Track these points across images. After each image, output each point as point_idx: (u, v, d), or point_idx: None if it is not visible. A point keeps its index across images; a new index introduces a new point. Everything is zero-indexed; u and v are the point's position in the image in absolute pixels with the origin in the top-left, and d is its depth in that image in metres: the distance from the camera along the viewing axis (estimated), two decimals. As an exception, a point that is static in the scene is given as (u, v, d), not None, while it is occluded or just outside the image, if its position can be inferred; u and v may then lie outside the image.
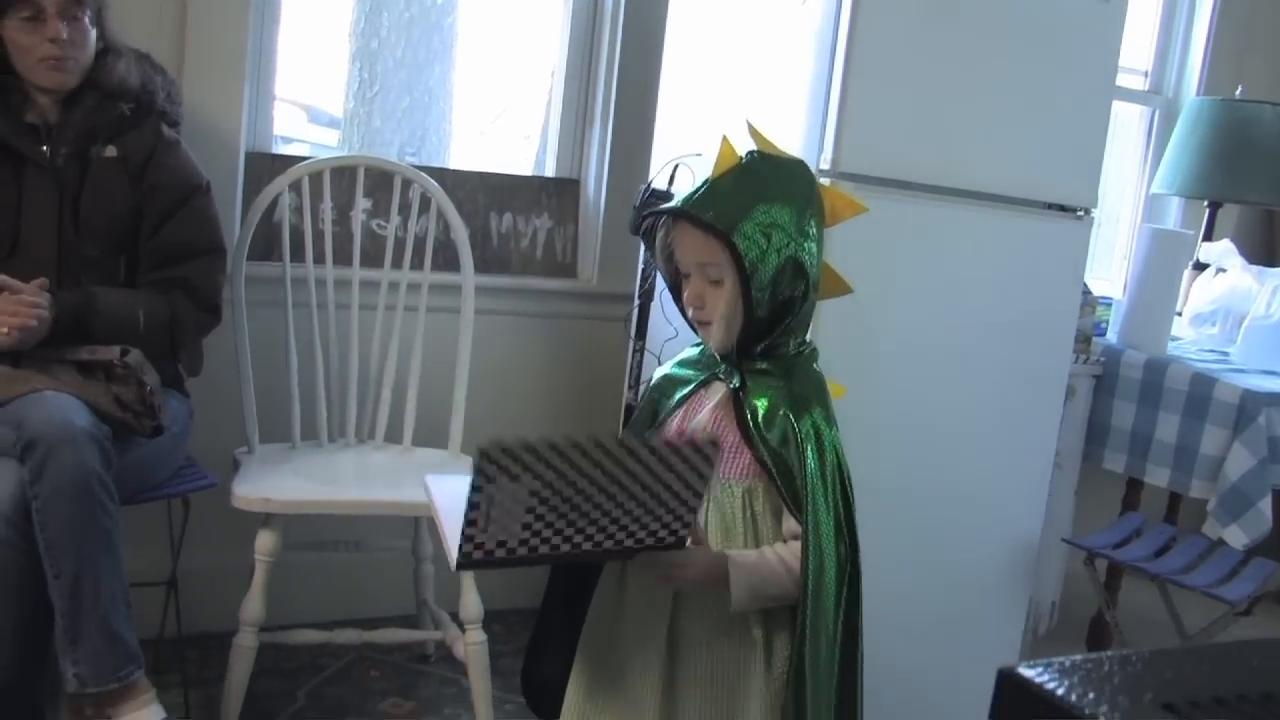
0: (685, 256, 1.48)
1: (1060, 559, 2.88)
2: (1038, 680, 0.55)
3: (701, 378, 1.53)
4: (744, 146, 1.49)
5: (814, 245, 1.45)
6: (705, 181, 1.46)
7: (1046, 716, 0.54)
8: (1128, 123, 3.72)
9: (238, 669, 2.10)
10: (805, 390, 1.46)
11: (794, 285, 1.43)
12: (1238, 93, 3.34)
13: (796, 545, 1.41)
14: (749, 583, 1.39)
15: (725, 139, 1.47)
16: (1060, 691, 0.54)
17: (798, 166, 1.50)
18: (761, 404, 1.45)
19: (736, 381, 1.47)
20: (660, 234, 1.52)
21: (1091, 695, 0.54)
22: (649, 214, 1.55)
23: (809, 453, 1.41)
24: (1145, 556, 2.51)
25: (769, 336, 1.45)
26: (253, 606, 2.10)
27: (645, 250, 1.62)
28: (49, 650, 1.84)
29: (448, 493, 1.40)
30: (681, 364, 1.59)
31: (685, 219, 1.45)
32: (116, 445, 1.87)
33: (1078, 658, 0.58)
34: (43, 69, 1.97)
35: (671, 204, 1.49)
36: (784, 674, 1.44)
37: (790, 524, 1.43)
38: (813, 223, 1.45)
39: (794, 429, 1.42)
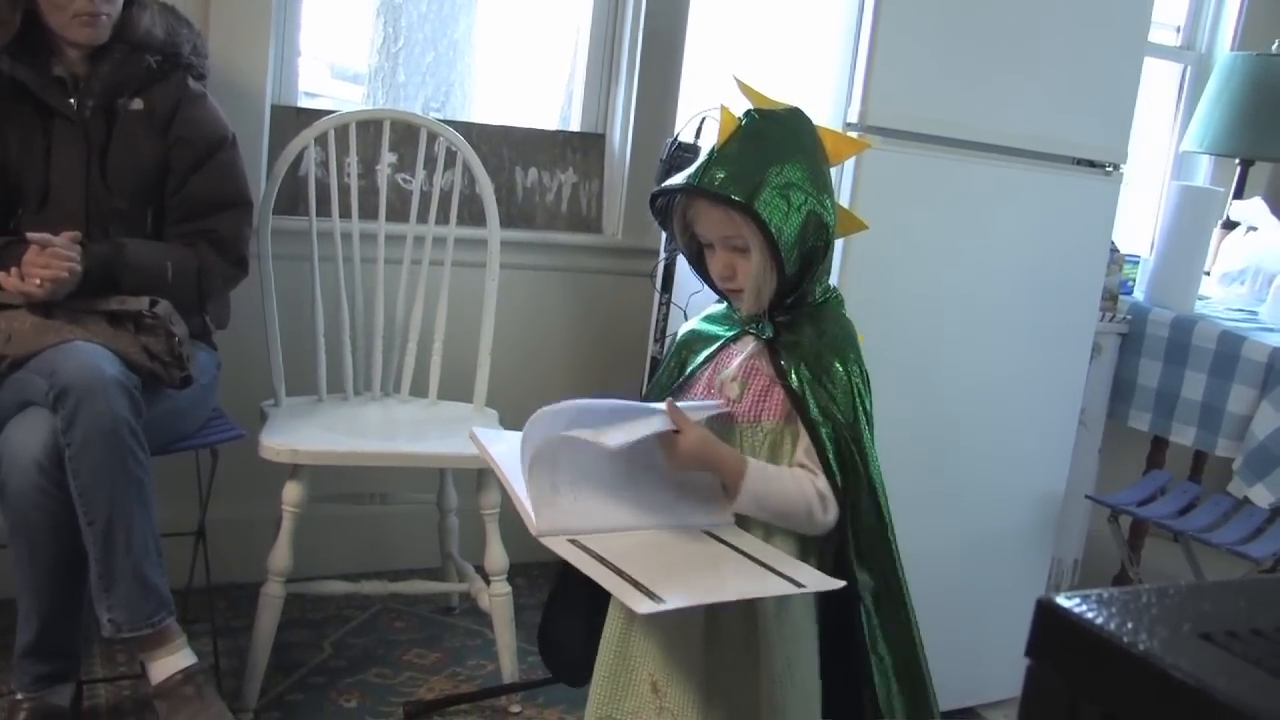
0: (706, 231, 1.47)
1: (1083, 517, 2.87)
2: (1076, 610, 0.56)
3: (731, 333, 1.53)
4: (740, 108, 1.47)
5: (827, 194, 1.45)
6: (711, 152, 1.43)
7: (1084, 646, 0.54)
8: (1159, 79, 3.66)
9: (265, 618, 2.12)
10: (836, 336, 1.47)
11: (817, 236, 1.42)
12: (1274, 47, 3.28)
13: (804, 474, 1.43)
14: (758, 487, 1.41)
15: (724, 108, 1.45)
16: (1099, 621, 0.54)
17: (797, 117, 1.48)
18: (795, 348, 1.45)
19: (769, 332, 1.48)
20: (677, 212, 1.50)
21: (1130, 625, 0.54)
22: (658, 193, 1.52)
23: (839, 396, 1.43)
24: (1170, 514, 2.50)
25: (798, 289, 1.46)
26: (280, 557, 2.12)
27: (662, 230, 1.60)
28: (84, 597, 1.88)
29: (504, 455, 1.44)
30: (709, 319, 1.59)
31: (702, 196, 1.44)
32: (146, 396, 1.88)
33: (1115, 590, 0.58)
34: (76, 25, 1.97)
35: (681, 182, 1.46)
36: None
37: (800, 455, 1.45)
38: (823, 170, 1.45)
39: (826, 373, 1.43)
